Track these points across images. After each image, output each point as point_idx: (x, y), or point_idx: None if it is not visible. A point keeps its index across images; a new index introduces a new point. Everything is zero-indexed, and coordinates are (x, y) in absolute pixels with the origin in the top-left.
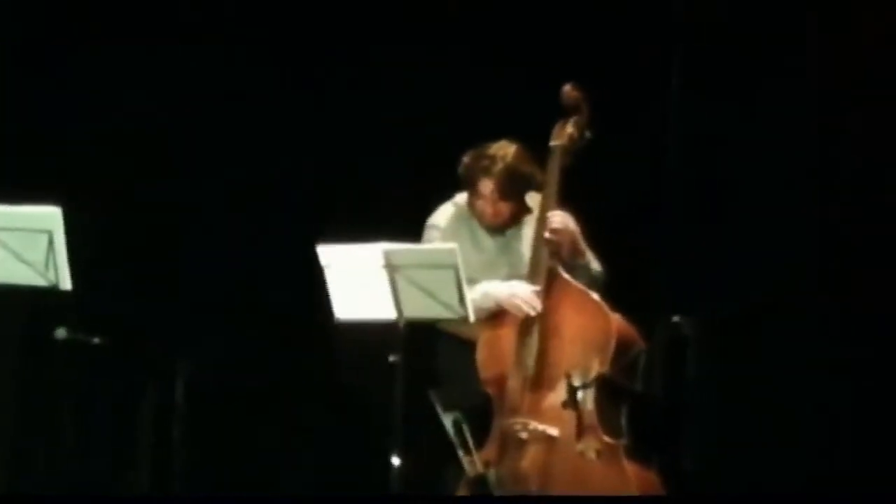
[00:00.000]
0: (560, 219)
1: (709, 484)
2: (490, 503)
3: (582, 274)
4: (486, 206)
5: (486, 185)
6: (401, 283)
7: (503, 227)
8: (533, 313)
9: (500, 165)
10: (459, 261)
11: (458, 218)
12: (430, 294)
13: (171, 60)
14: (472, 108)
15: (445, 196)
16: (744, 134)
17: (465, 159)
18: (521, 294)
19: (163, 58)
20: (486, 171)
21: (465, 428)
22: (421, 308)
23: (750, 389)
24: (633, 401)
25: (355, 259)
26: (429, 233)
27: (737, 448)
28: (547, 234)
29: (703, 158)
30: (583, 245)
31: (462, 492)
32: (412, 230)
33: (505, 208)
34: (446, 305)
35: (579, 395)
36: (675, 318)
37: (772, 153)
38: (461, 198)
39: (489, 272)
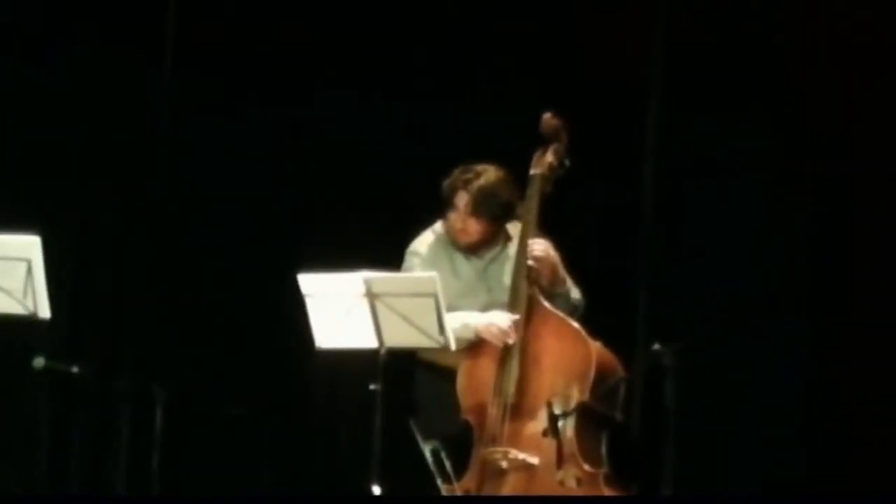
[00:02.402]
0: (541, 247)
1: None
2: (488, 503)
3: (562, 302)
4: (457, 221)
5: (462, 198)
6: (381, 312)
7: (474, 248)
8: (511, 342)
9: (478, 182)
10: (439, 289)
11: (437, 245)
12: (411, 322)
13: (151, 83)
14: (452, 136)
15: (424, 224)
16: (721, 161)
17: (449, 177)
18: (500, 323)
19: (141, 83)
20: (465, 185)
21: (444, 457)
22: (401, 336)
23: (729, 417)
24: (612, 429)
25: (336, 287)
26: (409, 259)
27: (716, 475)
28: (529, 262)
29: (680, 186)
30: (563, 273)
31: None
32: (391, 258)
33: (474, 227)
34: (426, 334)
35: (560, 423)
36: (655, 347)
37: (749, 180)
38: (440, 226)
39: (468, 299)
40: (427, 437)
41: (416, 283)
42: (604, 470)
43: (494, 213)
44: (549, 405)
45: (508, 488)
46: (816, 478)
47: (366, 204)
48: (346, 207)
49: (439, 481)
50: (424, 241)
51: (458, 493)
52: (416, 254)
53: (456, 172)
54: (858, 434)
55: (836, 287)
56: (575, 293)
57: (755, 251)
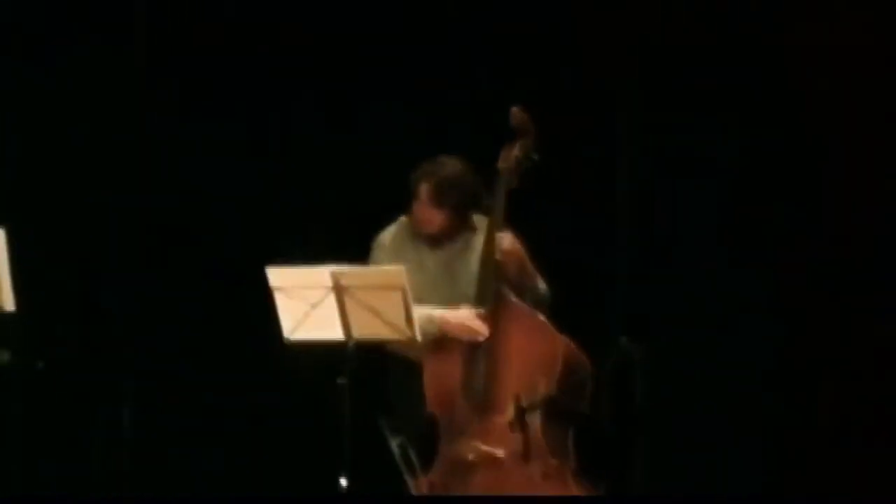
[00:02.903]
0: (509, 241)
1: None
2: (485, 503)
3: (529, 296)
4: (418, 211)
5: (424, 189)
6: (349, 305)
7: (437, 238)
8: (480, 339)
9: (441, 172)
10: (407, 282)
11: (402, 236)
12: (378, 315)
13: (121, 76)
14: (420, 132)
15: (391, 218)
16: (696, 155)
17: (415, 170)
18: (465, 319)
19: (111, 75)
20: (428, 175)
21: (412, 451)
22: (369, 329)
23: (697, 411)
24: (580, 423)
25: (304, 280)
26: (375, 252)
27: (684, 469)
28: (496, 256)
29: (652, 181)
30: (530, 267)
31: None
32: (358, 252)
33: (436, 216)
34: (394, 326)
35: (526, 416)
36: (623, 340)
37: (723, 175)
38: (405, 218)
39: (432, 291)
40: (394, 432)
41: (384, 277)
42: (571, 463)
43: (456, 202)
44: (517, 399)
45: (475, 482)
46: (787, 472)
47: (338, 199)
48: (317, 200)
49: (407, 476)
50: (389, 234)
51: (424, 487)
52: (381, 246)
53: (422, 164)
54: (827, 427)
55: (810, 285)
56: (542, 286)
57: (730, 248)
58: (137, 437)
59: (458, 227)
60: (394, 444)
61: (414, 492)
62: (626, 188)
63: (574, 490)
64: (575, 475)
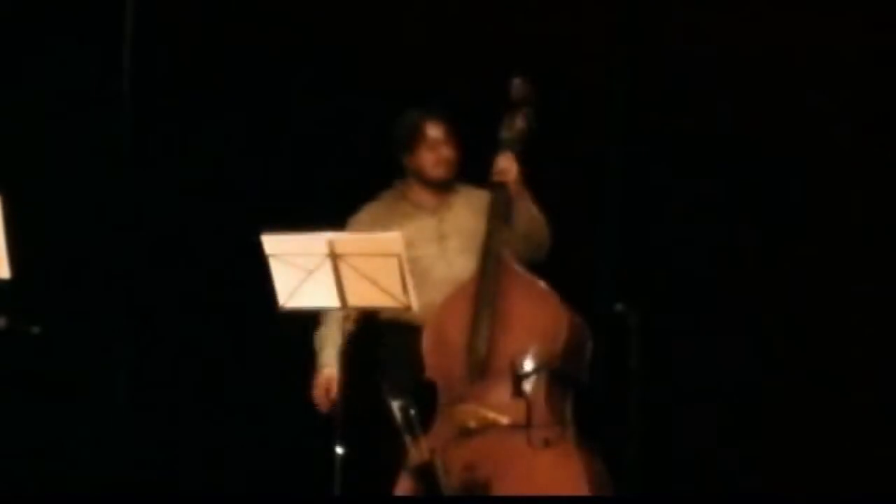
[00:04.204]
0: (506, 161)
1: (653, 471)
2: (485, 503)
3: (523, 212)
4: (436, 150)
5: (435, 128)
6: (344, 272)
7: (446, 180)
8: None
9: (439, 110)
10: (403, 249)
11: (384, 206)
12: (374, 283)
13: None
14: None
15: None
16: (687, 130)
17: (402, 119)
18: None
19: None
20: (434, 115)
21: (413, 414)
22: (365, 297)
23: (693, 377)
24: (578, 389)
25: (299, 247)
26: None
27: (681, 436)
28: (495, 178)
29: (644, 148)
30: (524, 188)
31: (406, 479)
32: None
33: (452, 153)
34: (390, 294)
35: (526, 384)
36: (619, 307)
37: (715, 141)
38: (385, 192)
39: (417, 243)
40: (395, 394)
41: (380, 244)
42: (571, 430)
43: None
44: (514, 366)
45: (475, 447)
46: (779, 445)
47: (332, 169)
48: (311, 170)
49: (407, 439)
50: (366, 209)
51: (425, 450)
52: (357, 221)
53: (408, 114)
54: (820, 397)
55: (799, 259)
56: (535, 210)
57: (721, 212)
58: (133, 403)
59: (455, 175)
60: (395, 406)
61: (412, 454)
62: (617, 154)
63: (575, 456)
64: (576, 442)
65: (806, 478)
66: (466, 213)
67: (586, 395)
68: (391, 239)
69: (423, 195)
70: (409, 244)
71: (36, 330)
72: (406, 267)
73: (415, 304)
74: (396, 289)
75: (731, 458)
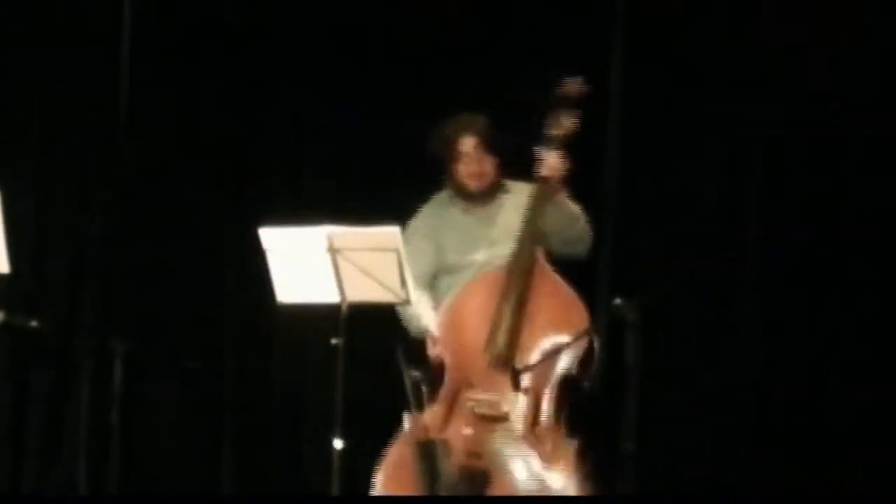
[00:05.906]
0: (555, 158)
1: (648, 465)
2: (486, 503)
3: (565, 210)
4: (467, 166)
5: (468, 142)
6: (343, 266)
7: (486, 190)
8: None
9: (480, 122)
10: (401, 244)
11: (434, 209)
12: (373, 277)
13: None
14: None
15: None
16: (687, 113)
17: (438, 132)
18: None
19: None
20: (467, 129)
21: (424, 389)
22: (363, 291)
23: (690, 371)
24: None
25: (298, 242)
26: (409, 237)
27: (677, 430)
28: (543, 174)
29: (643, 139)
30: (564, 186)
31: (401, 448)
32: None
33: (487, 166)
34: (388, 289)
35: (524, 378)
36: (617, 301)
37: (717, 131)
38: (437, 196)
39: (467, 250)
40: (410, 364)
41: (379, 238)
42: (563, 427)
43: (499, 148)
44: (512, 360)
45: (471, 431)
46: (779, 443)
47: (332, 161)
48: (312, 162)
49: (413, 411)
50: (419, 215)
51: (420, 428)
52: (416, 228)
53: (443, 127)
54: (819, 395)
55: (800, 252)
56: (576, 208)
57: (721, 204)
58: (128, 396)
59: (498, 181)
60: (408, 376)
61: (408, 427)
62: (616, 147)
63: (570, 448)
64: (571, 433)
65: (806, 476)
66: (516, 214)
67: (583, 390)
68: (390, 233)
69: (470, 200)
70: (459, 250)
71: (34, 323)
72: (404, 261)
73: (412, 298)
74: (395, 283)
75: (730, 456)
